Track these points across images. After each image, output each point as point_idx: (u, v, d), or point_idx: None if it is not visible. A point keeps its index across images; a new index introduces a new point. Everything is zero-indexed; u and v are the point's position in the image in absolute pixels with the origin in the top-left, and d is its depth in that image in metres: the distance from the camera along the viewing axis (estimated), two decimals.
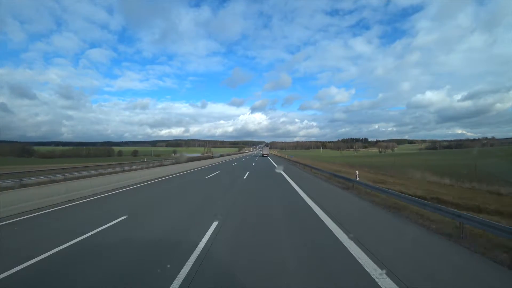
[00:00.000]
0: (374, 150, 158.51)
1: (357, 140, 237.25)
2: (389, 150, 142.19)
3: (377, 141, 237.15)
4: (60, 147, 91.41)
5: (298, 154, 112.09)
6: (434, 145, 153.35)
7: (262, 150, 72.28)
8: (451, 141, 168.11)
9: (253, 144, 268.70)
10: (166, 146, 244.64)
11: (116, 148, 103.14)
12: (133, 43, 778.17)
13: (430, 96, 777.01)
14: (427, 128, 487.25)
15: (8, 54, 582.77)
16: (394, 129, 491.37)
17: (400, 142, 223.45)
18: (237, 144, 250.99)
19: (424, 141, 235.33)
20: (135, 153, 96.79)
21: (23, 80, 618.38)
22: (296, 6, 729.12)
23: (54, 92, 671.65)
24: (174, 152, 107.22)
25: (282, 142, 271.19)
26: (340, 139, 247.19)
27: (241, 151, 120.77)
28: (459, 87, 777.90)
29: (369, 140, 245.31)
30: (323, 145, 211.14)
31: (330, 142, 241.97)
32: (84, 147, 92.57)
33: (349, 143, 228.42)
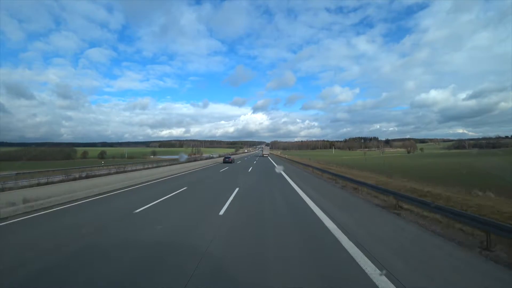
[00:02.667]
0: (393, 150, 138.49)
1: (365, 139, 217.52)
2: (418, 151, 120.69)
3: (388, 140, 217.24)
4: (4, 148, 71.75)
5: (306, 154, 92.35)
6: (461, 144, 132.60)
7: (262, 150, 76.73)
8: (480, 139, 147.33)
9: (253, 144, 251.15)
10: (159, 147, 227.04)
11: (80, 149, 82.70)
12: (133, 42, 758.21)
13: (435, 95, 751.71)
14: (429, 127, 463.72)
15: (6, 53, 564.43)
16: (396, 128, 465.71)
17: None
18: (236, 144, 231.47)
19: (436, 140, 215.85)
20: (102, 155, 76.55)
21: (21, 80, 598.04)
22: (299, 4, 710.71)
23: (52, 92, 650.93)
24: (154, 153, 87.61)
25: (285, 141, 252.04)
26: (348, 138, 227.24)
27: (238, 152, 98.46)
28: (464, 86, 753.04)
29: (379, 139, 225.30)
30: (331, 144, 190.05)
31: (338, 141, 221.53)
32: (34, 147, 72.89)
33: (358, 142, 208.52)
